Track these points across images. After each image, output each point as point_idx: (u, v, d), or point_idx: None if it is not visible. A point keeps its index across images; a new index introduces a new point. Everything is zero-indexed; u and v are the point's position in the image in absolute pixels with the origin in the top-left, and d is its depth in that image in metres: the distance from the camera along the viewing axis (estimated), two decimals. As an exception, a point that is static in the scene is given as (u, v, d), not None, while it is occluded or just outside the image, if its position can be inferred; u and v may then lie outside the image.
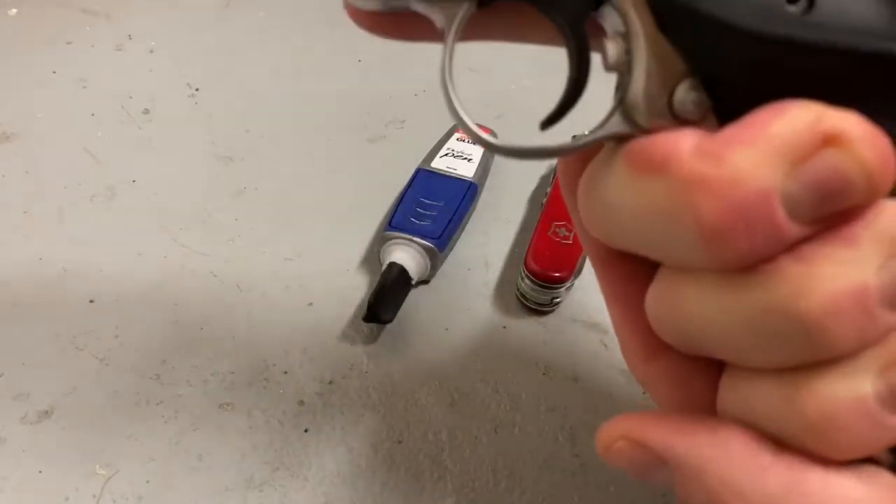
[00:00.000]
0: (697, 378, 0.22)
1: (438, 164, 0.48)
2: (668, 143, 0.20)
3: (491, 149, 0.22)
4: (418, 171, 0.48)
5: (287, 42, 0.63)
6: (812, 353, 0.18)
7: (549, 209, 0.46)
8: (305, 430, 0.38)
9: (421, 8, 0.22)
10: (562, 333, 0.43)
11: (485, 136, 0.22)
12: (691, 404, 0.22)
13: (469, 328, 0.43)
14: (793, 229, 0.18)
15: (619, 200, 0.21)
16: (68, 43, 0.62)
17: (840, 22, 0.20)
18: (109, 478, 0.36)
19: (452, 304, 0.44)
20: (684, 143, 0.19)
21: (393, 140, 0.55)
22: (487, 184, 0.50)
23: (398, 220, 0.44)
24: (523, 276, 0.43)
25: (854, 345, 0.18)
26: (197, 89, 0.58)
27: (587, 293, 0.44)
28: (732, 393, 0.21)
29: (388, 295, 0.41)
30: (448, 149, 0.49)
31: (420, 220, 0.44)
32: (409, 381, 0.40)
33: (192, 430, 0.38)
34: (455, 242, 0.47)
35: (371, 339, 0.42)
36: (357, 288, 0.44)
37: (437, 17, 0.22)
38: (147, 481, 0.36)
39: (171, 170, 0.52)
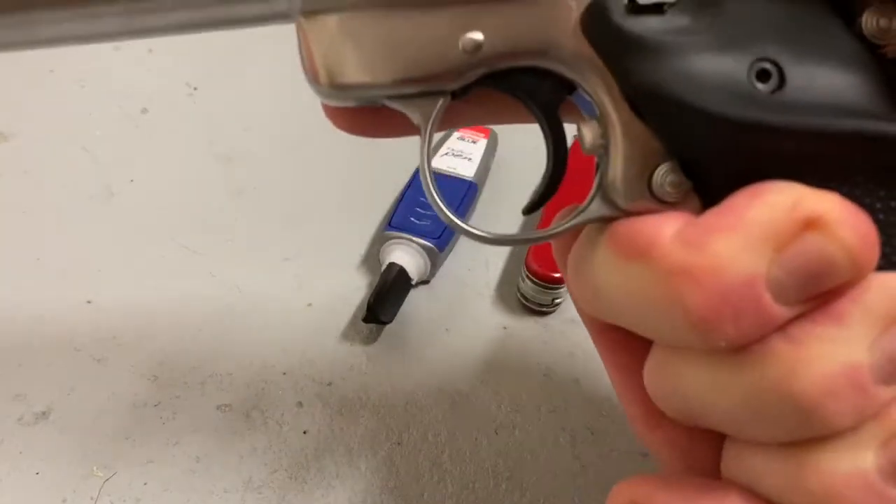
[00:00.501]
0: (701, 445, 0.22)
1: (438, 163, 0.48)
2: (651, 230, 0.20)
3: (478, 239, 0.23)
4: (418, 170, 0.48)
5: (286, 41, 0.62)
6: (810, 430, 0.18)
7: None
8: (304, 432, 0.38)
9: (396, 105, 0.22)
10: (563, 334, 0.43)
11: (470, 228, 0.23)
12: (695, 469, 0.23)
13: (469, 329, 0.43)
14: (781, 312, 0.18)
15: (606, 283, 0.21)
16: (67, 42, 0.62)
17: (812, 99, 0.20)
18: (107, 479, 0.35)
19: (453, 304, 0.44)
20: (666, 230, 0.19)
21: (393, 140, 0.55)
22: (487, 183, 0.50)
23: (398, 220, 0.44)
24: (524, 276, 0.43)
25: (851, 422, 0.18)
26: (195, 88, 0.58)
27: (588, 293, 0.44)
28: (736, 462, 0.21)
29: (387, 295, 0.41)
30: (448, 148, 0.49)
31: (420, 220, 0.44)
32: (408, 382, 0.40)
33: (190, 431, 0.37)
34: (455, 242, 0.46)
35: (371, 339, 0.42)
36: (357, 288, 0.44)
37: (412, 114, 0.22)
38: (145, 483, 0.35)
39: (169, 170, 0.51)
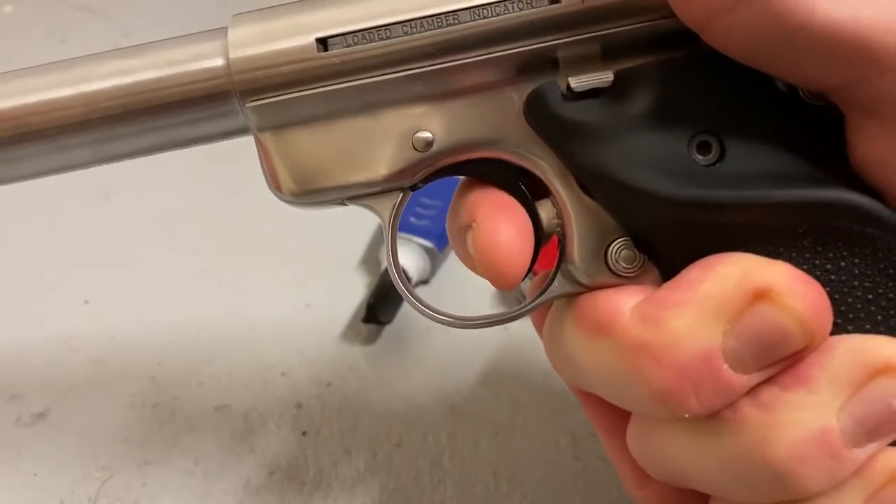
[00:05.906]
0: (689, 502, 0.23)
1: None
2: (610, 306, 0.21)
3: (443, 323, 0.25)
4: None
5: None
6: (787, 494, 0.19)
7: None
8: (303, 433, 0.37)
9: (357, 204, 0.24)
10: (563, 335, 0.42)
11: (435, 313, 0.25)
12: None
13: (470, 330, 0.42)
14: (741, 381, 0.19)
15: (576, 356, 0.22)
16: (63, 41, 0.62)
17: (753, 169, 0.20)
18: (105, 481, 0.35)
19: (452, 304, 0.43)
20: (624, 306, 0.20)
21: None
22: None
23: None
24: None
25: (826, 485, 0.18)
26: (194, 87, 0.58)
27: (588, 294, 0.44)
28: None
29: (387, 296, 0.41)
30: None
31: (420, 220, 0.44)
32: (408, 383, 0.40)
33: (189, 432, 0.37)
34: (455, 242, 0.46)
35: (370, 340, 0.41)
36: (356, 288, 0.44)
37: (373, 211, 0.24)
38: (143, 484, 0.35)
39: (167, 170, 0.51)
